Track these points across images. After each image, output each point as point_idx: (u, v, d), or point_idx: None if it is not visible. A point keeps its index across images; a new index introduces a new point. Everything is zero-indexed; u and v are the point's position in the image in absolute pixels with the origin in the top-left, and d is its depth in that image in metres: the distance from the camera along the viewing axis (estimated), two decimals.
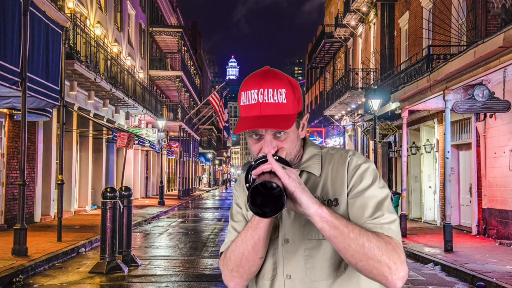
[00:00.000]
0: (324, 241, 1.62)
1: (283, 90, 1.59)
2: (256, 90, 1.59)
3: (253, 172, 1.52)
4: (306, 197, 1.48)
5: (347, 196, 1.63)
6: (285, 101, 1.59)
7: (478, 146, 14.12)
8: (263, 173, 1.50)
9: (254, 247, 1.60)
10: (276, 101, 1.58)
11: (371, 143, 24.11)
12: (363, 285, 1.63)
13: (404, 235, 13.52)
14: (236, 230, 1.74)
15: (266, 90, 1.59)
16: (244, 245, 1.61)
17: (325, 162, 1.71)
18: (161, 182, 28.48)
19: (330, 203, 1.64)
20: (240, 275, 1.66)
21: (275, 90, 1.59)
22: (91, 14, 21.64)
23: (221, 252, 1.73)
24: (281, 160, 1.56)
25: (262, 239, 1.59)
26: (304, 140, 1.74)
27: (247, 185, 1.57)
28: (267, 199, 1.43)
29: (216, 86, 77.85)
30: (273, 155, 1.56)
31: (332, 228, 1.48)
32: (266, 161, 1.52)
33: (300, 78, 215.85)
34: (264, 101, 1.59)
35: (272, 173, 1.50)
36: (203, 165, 71.30)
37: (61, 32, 11.54)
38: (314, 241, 1.63)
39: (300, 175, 1.67)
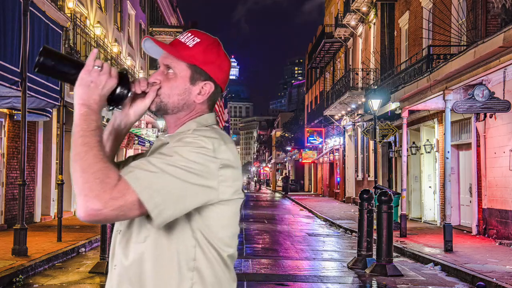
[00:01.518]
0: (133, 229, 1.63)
1: (198, 39, 1.69)
2: (185, 32, 1.74)
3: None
4: (80, 88, 1.56)
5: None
6: (190, 45, 1.68)
7: (478, 146, 14.12)
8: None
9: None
10: (184, 41, 1.69)
11: (371, 143, 24.11)
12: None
13: (404, 235, 13.52)
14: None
15: (188, 33, 1.72)
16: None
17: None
18: None
19: None
20: None
21: (193, 36, 1.71)
22: (91, 14, 21.65)
23: None
24: (124, 77, 1.62)
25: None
26: (201, 115, 1.71)
27: None
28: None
29: None
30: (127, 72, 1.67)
31: (76, 125, 1.52)
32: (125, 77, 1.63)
33: (300, 78, 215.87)
34: (178, 38, 1.72)
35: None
36: None
37: (61, 32, 11.54)
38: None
39: (167, 143, 1.64)
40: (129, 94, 1.64)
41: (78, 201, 1.45)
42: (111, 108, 1.65)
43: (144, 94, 1.66)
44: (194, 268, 1.57)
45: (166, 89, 1.67)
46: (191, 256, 1.57)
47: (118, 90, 1.61)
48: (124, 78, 1.63)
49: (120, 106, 1.68)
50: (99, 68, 1.58)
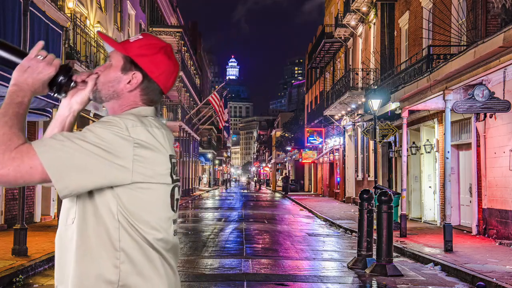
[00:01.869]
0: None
1: (141, 37, 1.82)
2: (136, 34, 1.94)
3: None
4: (15, 73, 1.70)
5: None
6: (131, 41, 1.81)
7: (478, 146, 14.12)
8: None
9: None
10: (129, 39, 1.84)
11: (371, 143, 24.11)
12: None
13: (404, 235, 13.52)
14: None
15: (139, 35, 1.86)
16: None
17: None
18: None
19: None
20: None
21: (141, 36, 1.84)
22: (91, 14, 21.65)
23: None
24: (65, 68, 1.82)
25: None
26: (131, 109, 1.78)
27: None
28: None
29: (216, 86, 77.90)
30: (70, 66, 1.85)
31: (3, 102, 1.65)
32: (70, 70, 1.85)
33: (300, 78, 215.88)
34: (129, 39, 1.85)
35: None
36: (203, 165, 71.31)
37: (61, 32, 11.54)
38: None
39: None
40: (71, 84, 1.80)
41: None
42: (54, 93, 1.80)
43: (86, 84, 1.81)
44: (120, 248, 1.62)
45: (102, 78, 1.79)
46: (115, 237, 1.62)
47: (58, 78, 1.77)
48: (65, 69, 1.80)
49: (63, 94, 1.83)
50: (41, 57, 1.73)
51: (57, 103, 11.29)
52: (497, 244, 12.32)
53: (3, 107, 1.62)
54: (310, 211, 25.10)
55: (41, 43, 1.75)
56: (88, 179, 1.56)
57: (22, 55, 1.75)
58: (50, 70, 1.73)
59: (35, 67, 1.70)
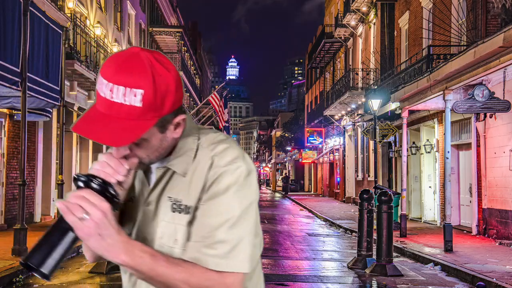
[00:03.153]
0: (172, 250, 1.42)
1: (140, 91, 1.27)
2: (107, 83, 1.28)
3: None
4: (102, 247, 1.28)
5: (199, 201, 1.38)
6: (139, 105, 1.27)
7: (478, 146, 14.12)
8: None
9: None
10: (127, 103, 1.27)
11: (371, 143, 24.11)
12: None
13: (404, 235, 13.52)
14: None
15: (117, 87, 1.27)
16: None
17: (197, 158, 1.42)
18: None
19: (185, 209, 1.39)
20: None
21: (129, 89, 1.27)
22: (91, 14, 21.65)
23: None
24: (102, 187, 1.29)
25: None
26: (184, 128, 1.43)
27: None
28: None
29: (216, 86, 77.89)
30: (97, 179, 1.29)
31: (141, 274, 1.32)
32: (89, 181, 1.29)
33: (300, 78, 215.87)
34: (112, 99, 1.28)
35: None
36: None
37: (61, 32, 11.54)
38: (166, 248, 1.43)
39: (165, 173, 1.43)
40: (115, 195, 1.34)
41: None
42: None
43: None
44: None
45: (142, 155, 1.38)
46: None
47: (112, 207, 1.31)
48: (108, 193, 1.31)
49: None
50: (86, 216, 1.26)
51: (57, 103, 11.31)
52: (497, 244, 12.32)
53: (154, 268, 1.31)
54: (310, 211, 25.10)
55: (60, 206, 1.29)
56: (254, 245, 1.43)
57: (63, 230, 1.30)
58: (106, 207, 1.29)
59: (100, 227, 1.28)
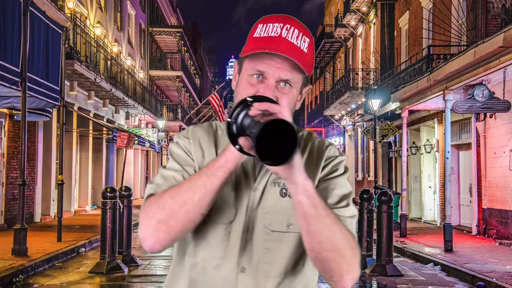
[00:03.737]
0: (286, 235, 1.43)
1: (308, 39, 1.40)
2: (281, 25, 1.37)
3: (256, 106, 1.23)
4: (299, 160, 1.26)
5: (317, 182, 1.46)
6: (306, 51, 1.39)
7: (478, 146, 14.12)
8: (263, 113, 1.23)
9: (202, 198, 1.32)
10: (299, 45, 1.37)
11: (371, 143, 24.10)
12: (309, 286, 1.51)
13: (404, 235, 13.52)
14: (176, 179, 1.43)
15: (292, 28, 1.37)
16: (190, 193, 1.32)
17: (305, 142, 1.51)
18: None
19: (283, 191, 1.45)
20: (168, 231, 1.34)
21: (301, 34, 1.39)
22: (91, 14, 21.65)
23: (149, 195, 1.42)
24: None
25: (214, 191, 1.32)
26: None
27: (233, 120, 1.27)
28: (271, 144, 1.17)
29: (216, 86, 77.87)
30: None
31: (311, 206, 1.29)
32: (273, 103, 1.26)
33: None
34: (287, 38, 1.36)
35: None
36: None
37: (61, 32, 11.53)
38: (276, 234, 1.42)
39: None
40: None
41: (348, 278, 1.36)
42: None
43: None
44: None
45: (286, 103, 1.35)
46: None
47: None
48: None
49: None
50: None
51: (57, 103, 11.30)
52: (497, 244, 12.32)
53: (325, 208, 1.33)
54: None
55: None
56: None
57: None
58: None
59: None
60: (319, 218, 1.29)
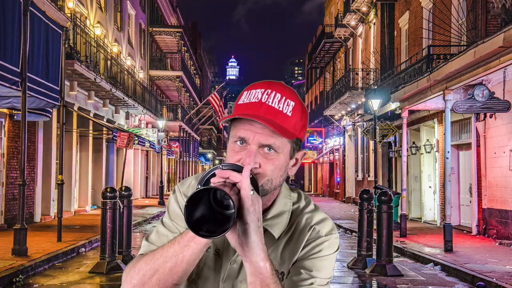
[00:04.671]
0: None
1: (292, 102, 1.37)
2: (262, 90, 1.37)
3: (217, 174, 1.23)
4: (258, 239, 1.23)
5: (296, 261, 1.42)
6: (290, 114, 1.36)
7: (478, 146, 14.12)
8: (224, 183, 1.23)
9: (173, 268, 1.30)
10: (281, 109, 1.35)
11: (371, 143, 24.10)
12: None
13: (404, 235, 13.52)
14: (170, 239, 1.39)
15: (273, 92, 1.36)
16: (161, 261, 1.31)
17: (291, 223, 1.45)
18: (161, 182, 28.49)
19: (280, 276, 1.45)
20: None
21: (284, 97, 1.37)
22: (91, 14, 21.65)
23: (139, 254, 1.43)
24: (252, 182, 1.25)
25: (186, 263, 1.29)
26: (282, 184, 1.45)
27: (198, 186, 1.27)
28: (211, 215, 1.18)
29: (216, 86, 77.89)
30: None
31: None
32: (237, 172, 1.25)
33: (300, 78, 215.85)
34: (267, 102, 1.35)
35: (233, 189, 1.21)
36: (203, 165, 71.32)
37: (61, 32, 11.54)
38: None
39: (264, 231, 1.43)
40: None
41: None
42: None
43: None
44: None
45: (269, 173, 1.36)
46: None
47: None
48: (255, 183, 1.28)
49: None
50: (253, 194, 1.24)
51: (57, 103, 11.30)
52: (497, 244, 12.32)
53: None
54: None
55: (247, 171, 1.27)
56: None
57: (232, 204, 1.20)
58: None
59: (260, 215, 1.28)
60: None
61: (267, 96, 1.36)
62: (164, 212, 1.54)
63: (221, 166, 1.26)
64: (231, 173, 1.23)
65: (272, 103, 1.35)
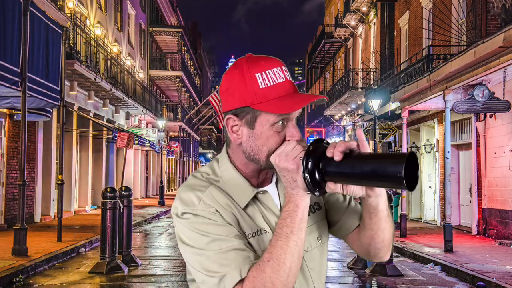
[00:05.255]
0: (317, 249, 1.51)
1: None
2: (279, 68, 1.40)
3: (337, 149, 1.26)
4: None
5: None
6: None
7: (478, 146, 14.12)
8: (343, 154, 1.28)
9: (299, 256, 1.31)
10: (293, 81, 1.47)
11: (371, 143, 24.10)
12: None
13: (404, 235, 13.52)
14: (248, 247, 1.35)
15: (283, 67, 1.43)
16: (290, 256, 1.28)
17: None
18: (161, 182, 28.48)
19: (312, 208, 1.51)
20: None
21: (284, 67, 1.45)
22: (91, 14, 21.64)
23: (240, 280, 1.29)
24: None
25: (304, 244, 1.33)
26: None
27: (307, 174, 1.28)
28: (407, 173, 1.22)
29: (216, 86, 77.85)
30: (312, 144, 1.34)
31: (387, 210, 1.43)
32: (324, 143, 1.33)
33: (300, 78, 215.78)
34: (290, 79, 1.42)
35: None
36: (203, 165, 71.29)
37: (61, 32, 11.53)
38: (315, 250, 1.51)
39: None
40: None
41: (389, 252, 1.54)
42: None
43: None
44: None
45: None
46: None
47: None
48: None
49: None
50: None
51: (57, 103, 11.30)
52: (497, 244, 12.32)
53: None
54: None
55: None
56: None
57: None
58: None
59: None
60: (388, 218, 1.45)
61: (287, 74, 1.42)
62: (167, 211, 1.53)
63: (311, 147, 1.31)
64: (345, 143, 1.28)
65: (289, 77, 1.42)
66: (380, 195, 1.37)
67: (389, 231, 1.47)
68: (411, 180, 1.22)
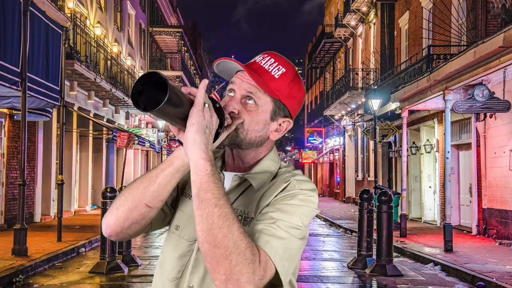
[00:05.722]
0: None
1: (283, 69, 1.50)
2: (261, 55, 1.53)
3: (183, 89, 1.38)
4: (201, 140, 1.32)
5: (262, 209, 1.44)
6: (277, 77, 1.48)
7: (478, 146, 14.12)
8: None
9: (146, 187, 1.42)
10: (269, 71, 1.48)
11: (371, 143, 24.10)
12: None
13: (404, 235, 13.52)
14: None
15: (268, 57, 1.51)
16: (138, 183, 1.44)
17: (274, 180, 1.51)
18: None
19: (246, 221, 1.44)
20: (116, 215, 1.44)
21: (276, 63, 1.50)
22: (91, 14, 21.64)
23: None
24: (219, 110, 1.39)
25: (157, 184, 1.41)
26: (271, 151, 1.56)
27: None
28: (146, 95, 1.30)
29: (216, 86, 77.83)
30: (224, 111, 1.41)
31: (201, 188, 1.30)
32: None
33: None
34: (260, 62, 1.50)
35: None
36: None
37: (61, 32, 11.53)
38: None
39: (240, 184, 1.51)
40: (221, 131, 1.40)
41: (227, 285, 1.26)
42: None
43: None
44: None
45: (245, 123, 1.47)
46: None
47: (218, 131, 1.39)
48: (221, 112, 1.40)
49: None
50: (208, 106, 1.34)
51: (57, 103, 11.30)
52: (497, 244, 12.32)
53: (217, 204, 1.29)
54: None
55: (205, 82, 1.42)
56: (297, 264, 1.46)
57: (185, 102, 1.34)
58: (216, 122, 1.38)
59: (211, 125, 1.35)
60: (207, 203, 1.28)
61: (261, 58, 1.51)
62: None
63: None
64: (192, 88, 1.37)
65: (263, 64, 1.50)
66: (187, 154, 1.35)
67: (208, 225, 1.29)
68: (153, 100, 1.26)
